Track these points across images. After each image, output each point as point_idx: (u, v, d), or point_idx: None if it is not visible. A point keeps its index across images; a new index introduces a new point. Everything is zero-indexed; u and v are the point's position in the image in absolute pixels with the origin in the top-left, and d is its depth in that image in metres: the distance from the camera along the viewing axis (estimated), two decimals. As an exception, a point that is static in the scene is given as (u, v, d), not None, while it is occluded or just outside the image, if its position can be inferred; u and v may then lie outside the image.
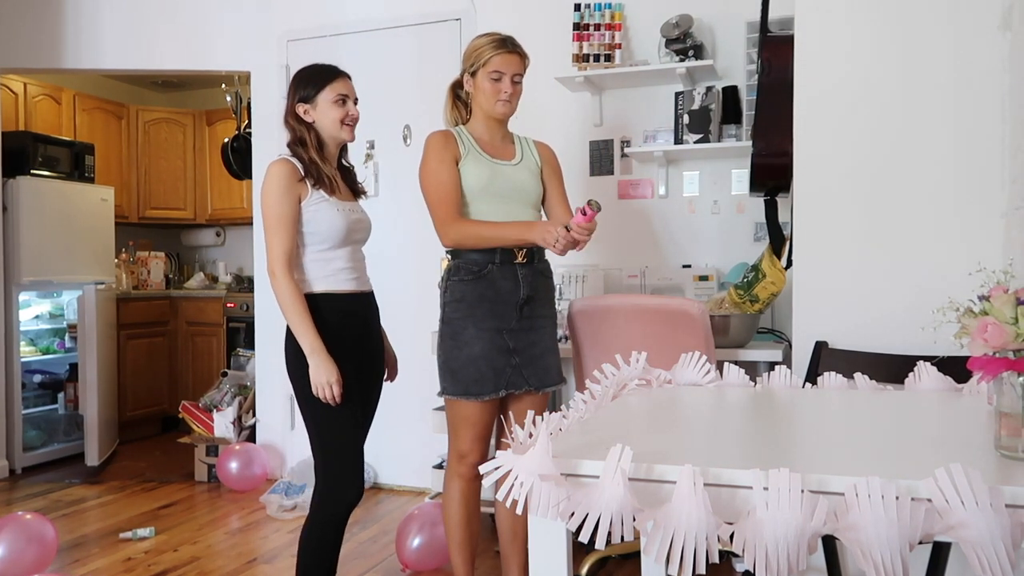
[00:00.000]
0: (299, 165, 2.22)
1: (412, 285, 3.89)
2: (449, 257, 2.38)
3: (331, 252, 2.23)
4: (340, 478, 2.19)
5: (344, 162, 2.39)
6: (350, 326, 2.25)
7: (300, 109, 2.26)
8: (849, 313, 2.32)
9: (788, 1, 2.54)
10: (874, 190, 2.30)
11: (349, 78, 2.32)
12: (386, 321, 4.02)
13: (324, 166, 2.23)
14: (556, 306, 2.49)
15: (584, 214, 2.05)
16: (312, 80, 2.26)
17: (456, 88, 2.46)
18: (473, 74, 2.35)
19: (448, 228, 2.28)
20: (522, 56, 2.36)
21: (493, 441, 2.62)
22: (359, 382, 2.25)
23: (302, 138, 2.25)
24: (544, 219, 2.49)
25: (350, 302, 2.27)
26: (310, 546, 2.22)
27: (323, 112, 2.24)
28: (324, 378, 2.11)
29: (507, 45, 2.32)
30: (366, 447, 4.07)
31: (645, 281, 3.41)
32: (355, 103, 2.30)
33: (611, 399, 1.58)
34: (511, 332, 2.31)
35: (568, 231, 2.10)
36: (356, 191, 2.37)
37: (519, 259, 2.31)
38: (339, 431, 2.19)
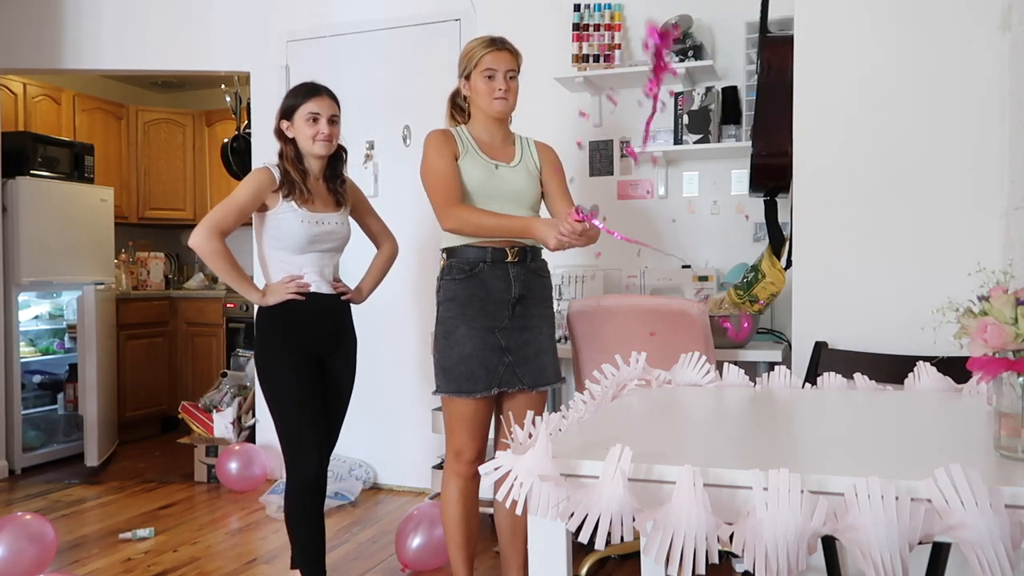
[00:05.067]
0: (278, 176, 2.46)
1: (412, 285, 3.90)
2: (444, 256, 2.38)
3: (293, 257, 2.48)
4: (298, 451, 2.45)
5: (338, 173, 2.58)
6: (302, 324, 2.47)
7: (283, 125, 2.51)
8: (849, 313, 2.32)
9: (788, 1, 2.54)
10: (874, 190, 2.30)
11: (327, 95, 2.50)
12: (385, 321, 4.02)
13: (299, 178, 2.46)
14: (555, 305, 2.48)
15: (579, 219, 2.00)
16: (292, 98, 2.50)
17: (455, 97, 2.47)
18: (468, 77, 2.36)
19: (449, 211, 2.26)
20: (513, 53, 2.37)
21: (491, 442, 2.62)
22: (309, 372, 2.47)
23: (281, 151, 2.52)
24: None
25: (307, 301, 2.47)
26: (291, 509, 2.51)
27: (298, 128, 2.47)
28: (279, 292, 2.44)
29: (496, 44, 2.34)
30: (365, 446, 4.06)
31: (645, 281, 3.41)
32: (331, 120, 2.48)
33: (611, 399, 1.58)
34: (503, 331, 2.31)
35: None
36: (339, 202, 2.56)
37: (511, 258, 2.31)
38: (291, 413, 2.44)
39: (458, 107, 2.47)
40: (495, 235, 2.27)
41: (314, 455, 2.45)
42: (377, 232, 2.77)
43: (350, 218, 2.67)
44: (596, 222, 1.98)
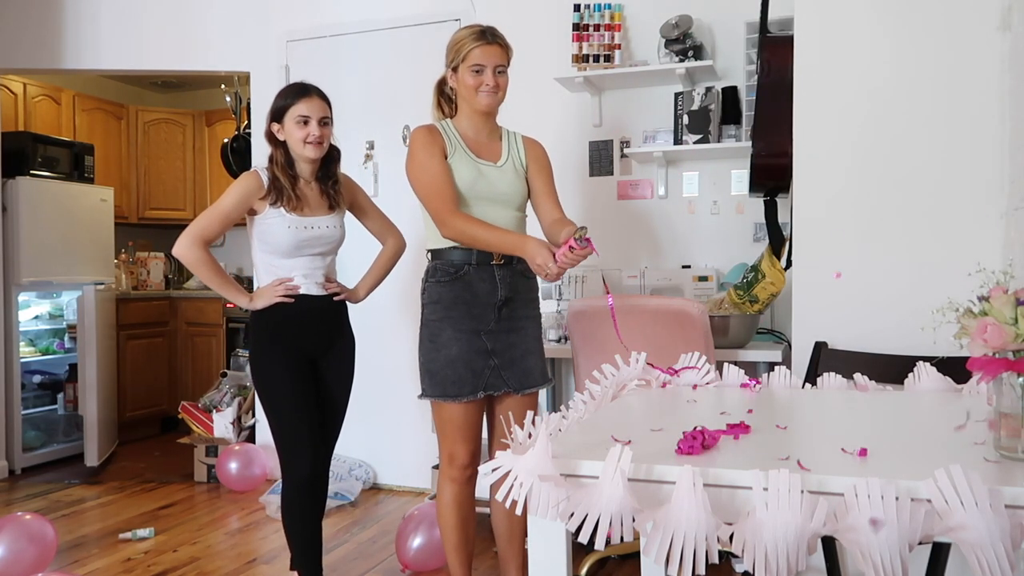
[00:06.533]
0: (266, 181, 2.45)
1: (412, 285, 3.89)
2: (429, 257, 2.35)
3: (281, 260, 2.48)
4: (291, 450, 2.46)
5: (331, 174, 2.54)
6: (292, 325, 2.48)
7: (274, 128, 2.46)
8: (849, 313, 2.32)
9: (788, 1, 2.54)
10: (874, 190, 2.30)
11: (318, 96, 2.45)
12: (383, 321, 4.01)
13: (288, 184, 2.43)
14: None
15: (572, 249, 1.97)
16: (281, 100, 2.45)
17: (442, 85, 2.41)
18: (455, 69, 2.29)
19: (449, 220, 2.20)
20: (503, 46, 2.28)
21: (485, 444, 2.62)
22: (301, 372, 2.48)
23: (271, 155, 2.48)
24: (531, 222, 2.45)
25: (297, 303, 2.47)
26: (287, 508, 2.53)
27: (289, 131, 2.44)
28: (267, 296, 2.44)
29: (486, 37, 2.25)
30: (364, 446, 4.07)
31: (645, 281, 3.41)
32: (321, 122, 2.44)
33: (611, 399, 1.58)
34: (489, 333, 2.28)
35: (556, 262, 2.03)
36: (332, 205, 2.53)
37: (496, 260, 2.27)
38: (283, 413, 2.45)
39: (446, 96, 2.41)
40: (489, 250, 2.22)
41: (307, 454, 2.45)
42: (379, 230, 2.73)
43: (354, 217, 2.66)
44: (592, 247, 1.97)
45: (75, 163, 5.00)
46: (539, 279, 2.44)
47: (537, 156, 2.42)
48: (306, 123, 2.41)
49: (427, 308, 2.33)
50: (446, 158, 2.27)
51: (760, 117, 2.77)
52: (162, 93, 6.69)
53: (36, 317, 4.96)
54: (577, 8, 3.55)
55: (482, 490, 2.57)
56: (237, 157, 5.05)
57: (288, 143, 2.45)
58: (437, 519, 2.45)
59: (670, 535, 0.98)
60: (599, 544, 1.03)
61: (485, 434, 2.48)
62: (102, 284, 4.87)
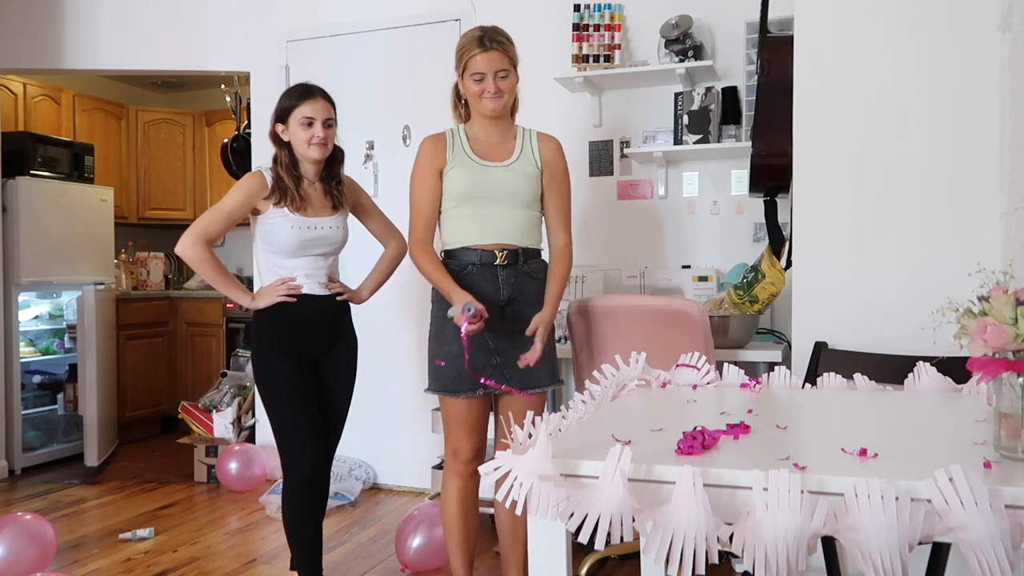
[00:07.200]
0: (270, 181, 2.46)
1: (412, 285, 3.89)
2: (442, 257, 2.39)
3: (284, 260, 2.49)
4: (292, 449, 2.46)
5: (335, 174, 2.55)
6: (295, 325, 2.48)
7: (278, 129, 2.48)
8: (848, 313, 2.32)
9: (788, 1, 2.54)
10: (874, 190, 2.30)
11: (322, 97, 2.47)
12: (383, 321, 4.01)
13: (292, 184, 2.45)
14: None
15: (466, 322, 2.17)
16: (286, 101, 2.47)
17: (457, 89, 2.45)
18: (461, 75, 2.34)
19: (415, 248, 2.36)
20: (504, 50, 2.29)
21: (491, 442, 2.62)
22: (302, 371, 2.49)
23: (275, 156, 2.49)
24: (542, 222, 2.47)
25: (300, 303, 2.48)
26: (287, 508, 2.54)
27: (293, 133, 2.45)
28: (270, 295, 2.45)
29: (485, 43, 2.27)
30: (364, 446, 4.08)
31: (644, 282, 3.41)
32: (326, 123, 2.45)
33: (611, 400, 1.58)
34: (493, 332, 2.30)
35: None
36: (335, 205, 2.54)
37: (499, 261, 2.31)
38: (284, 413, 2.46)
39: (462, 98, 2.44)
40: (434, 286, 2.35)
41: (308, 454, 2.45)
42: (381, 232, 2.74)
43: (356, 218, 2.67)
44: (463, 328, 2.16)
45: (75, 163, 5.00)
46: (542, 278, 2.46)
47: (552, 161, 2.43)
48: (310, 124, 2.43)
49: (434, 305, 2.39)
50: (442, 171, 2.34)
51: (760, 117, 2.77)
52: (162, 93, 6.69)
53: (36, 317, 4.96)
54: (577, 8, 3.55)
55: (485, 490, 2.57)
56: (237, 157, 5.05)
57: (292, 144, 2.47)
58: (440, 514, 2.46)
59: (670, 535, 0.98)
60: (599, 544, 1.03)
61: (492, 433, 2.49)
62: (102, 284, 4.87)
